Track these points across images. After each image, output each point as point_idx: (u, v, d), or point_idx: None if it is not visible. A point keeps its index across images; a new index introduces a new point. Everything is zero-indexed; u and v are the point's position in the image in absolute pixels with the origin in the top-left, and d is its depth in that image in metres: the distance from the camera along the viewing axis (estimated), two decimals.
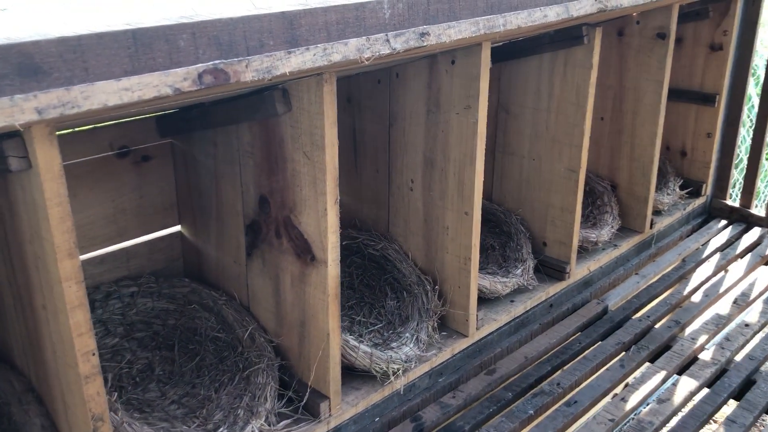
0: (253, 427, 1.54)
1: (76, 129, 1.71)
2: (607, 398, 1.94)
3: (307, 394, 1.65)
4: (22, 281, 1.30)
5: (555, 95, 2.19)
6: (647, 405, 1.91)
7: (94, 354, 1.19)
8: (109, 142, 1.76)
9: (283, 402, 1.66)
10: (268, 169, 1.60)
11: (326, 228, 1.51)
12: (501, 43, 2.18)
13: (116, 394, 1.57)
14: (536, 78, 2.22)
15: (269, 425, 1.58)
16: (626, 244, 2.61)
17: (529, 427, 1.79)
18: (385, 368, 1.77)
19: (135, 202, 1.86)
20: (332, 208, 1.50)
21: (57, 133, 1.07)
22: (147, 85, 1.02)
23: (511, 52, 2.20)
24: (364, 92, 2.03)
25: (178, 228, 1.98)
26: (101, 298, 1.79)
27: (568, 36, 2.07)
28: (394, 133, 1.98)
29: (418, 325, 1.90)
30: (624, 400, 1.88)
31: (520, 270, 2.19)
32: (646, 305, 2.38)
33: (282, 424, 1.61)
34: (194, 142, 1.81)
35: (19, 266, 1.28)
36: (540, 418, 1.81)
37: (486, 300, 2.11)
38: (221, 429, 1.54)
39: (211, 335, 1.80)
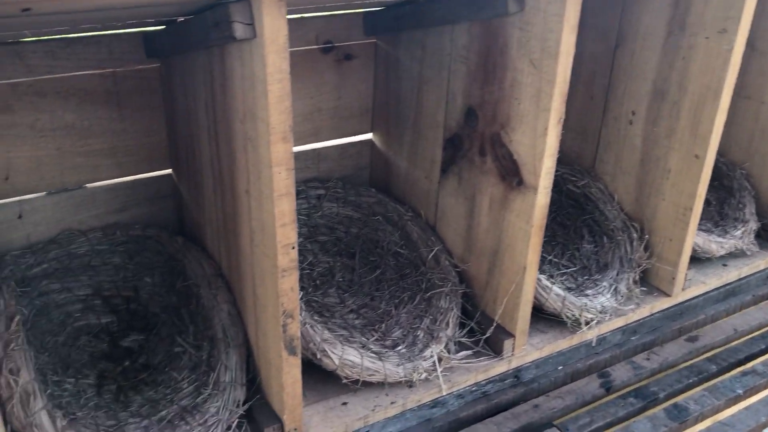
0: (432, 351, 1.45)
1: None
2: None
3: (492, 328, 1.52)
4: (227, 163, 1.25)
5: None
6: None
7: (293, 247, 1.12)
8: (316, 34, 1.68)
9: (464, 332, 1.54)
10: (482, 78, 1.44)
11: (543, 150, 1.33)
12: None
13: (300, 294, 1.52)
14: None
15: (448, 352, 1.48)
16: None
17: (736, 408, 1.56)
18: (577, 315, 1.60)
19: (332, 103, 1.78)
20: (554, 127, 1.32)
21: None
22: None
23: None
24: (589, 6, 1.78)
25: (369, 135, 1.88)
26: None
27: None
28: (619, 56, 1.74)
29: (618, 275, 1.70)
30: None
31: (739, 231, 1.90)
32: None
33: (462, 354, 1.50)
34: (400, 44, 1.68)
35: (225, 147, 1.23)
36: (751, 400, 1.57)
37: (695, 259, 1.86)
38: (400, 347, 1.46)
39: (393, 250, 1.71)
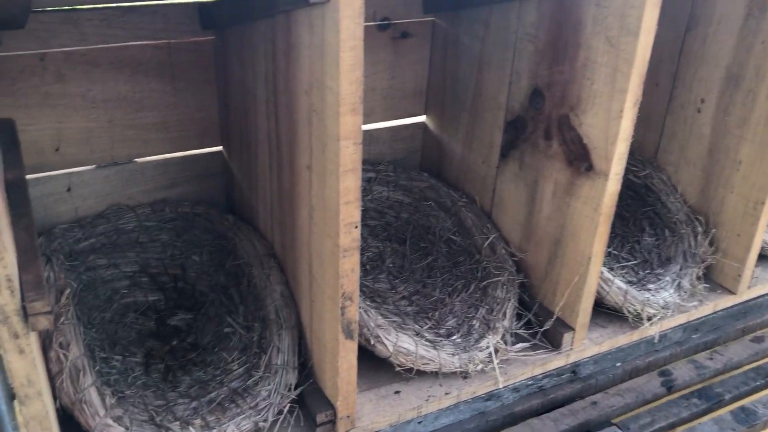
0: (488, 342, 1.39)
1: None
2: None
3: (552, 321, 1.46)
4: (286, 138, 1.20)
5: None
6: None
7: (356, 227, 1.07)
8: (374, 10, 1.62)
9: (521, 323, 1.48)
10: (551, 57, 1.37)
11: (617, 133, 1.26)
12: None
13: None
14: None
15: (505, 344, 1.42)
16: None
17: None
18: (639, 310, 1.53)
19: (386, 83, 1.72)
20: (630, 109, 1.24)
21: None
22: None
23: None
24: None
25: (422, 118, 1.82)
26: None
27: None
28: (690, 41, 1.65)
29: (681, 270, 1.63)
30: None
31: None
32: None
33: (519, 346, 1.44)
34: (461, 22, 1.61)
35: (286, 120, 1.18)
36: None
37: (763, 257, 1.77)
38: (455, 336, 1.40)
39: (446, 237, 1.65)
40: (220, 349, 1.32)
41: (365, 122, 1.73)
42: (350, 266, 1.10)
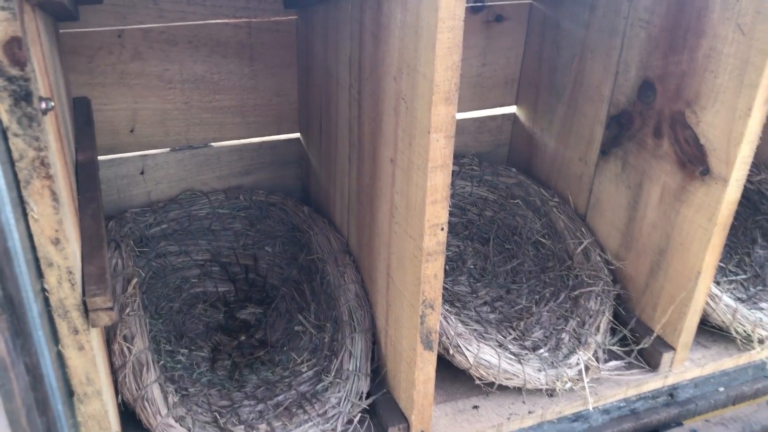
0: (579, 359, 1.26)
1: None
2: None
3: (651, 338, 1.32)
4: (369, 127, 1.10)
5: None
6: None
7: (443, 228, 0.96)
8: None
9: (616, 339, 1.35)
10: (667, 46, 1.22)
11: (741, 134, 1.11)
12: None
13: None
14: None
15: (596, 361, 1.29)
16: None
17: None
18: (749, 332, 1.36)
19: (476, 70, 1.60)
20: (760, 107, 1.09)
21: None
22: None
23: None
24: None
25: (512, 109, 1.70)
26: None
27: None
28: None
29: None
30: None
31: None
32: None
33: (612, 364, 1.31)
34: (562, 5, 1.47)
35: (370, 108, 1.09)
36: None
37: None
38: (541, 350, 1.28)
39: (534, 239, 1.52)
40: (289, 349, 1.24)
41: None
42: (433, 271, 0.99)
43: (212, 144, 1.46)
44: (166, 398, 1.04)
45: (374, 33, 1.02)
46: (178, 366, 1.20)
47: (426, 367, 1.07)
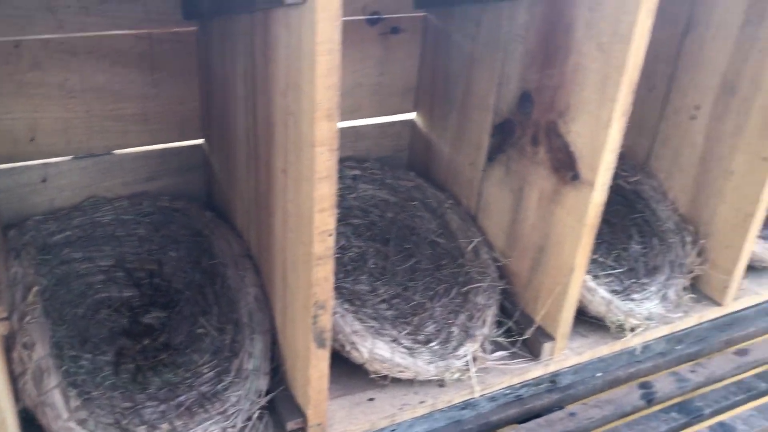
0: (467, 350, 1.36)
1: None
2: None
3: (532, 330, 1.43)
4: (264, 138, 1.16)
5: None
6: None
7: (331, 235, 1.04)
8: (363, 4, 1.58)
9: (501, 331, 1.46)
10: (541, 60, 1.33)
11: (604, 143, 1.23)
12: None
13: None
14: None
15: (483, 352, 1.39)
16: None
17: None
18: (622, 321, 1.50)
19: (374, 79, 1.68)
20: (619, 119, 1.21)
21: None
22: None
23: None
24: None
25: (411, 116, 1.79)
26: None
27: None
28: (687, 44, 1.61)
29: (667, 280, 1.60)
30: None
31: None
32: None
33: (497, 355, 1.42)
34: (453, 19, 1.57)
35: (263, 121, 1.15)
36: None
37: (750, 267, 1.74)
38: (433, 344, 1.37)
39: (430, 238, 1.62)
40: (191, 351, 1.29)
41: (352, 118, 1.72)
42: (324, 275, 1.07)
43: (116, 151, 1.49)
44: (67, 402, 1.08)
45: (264, 51, 1.08)
46: (81, 370, 1.23)
47: (320, 364, 1.15)
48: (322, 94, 0.93)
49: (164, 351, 1.32)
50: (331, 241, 1.05)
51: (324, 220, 1.02)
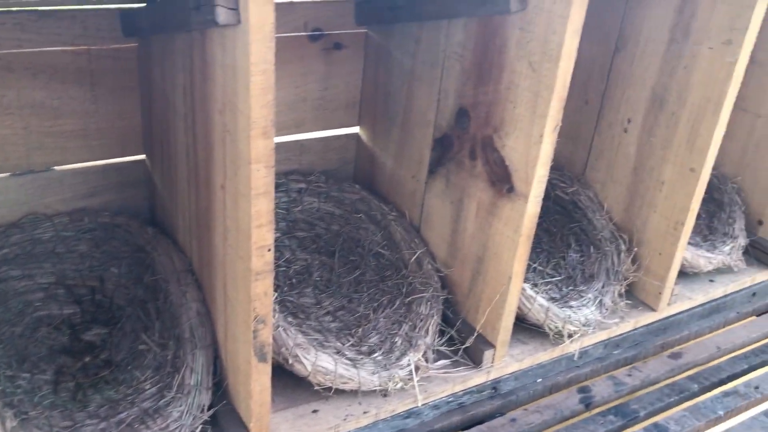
0: (410, 360, 1.39)
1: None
2: None
3: (473, 338, 1.47)
4: (203, 155, 1.17)
5: None
6: None
7: (269, 250, 1.05)
8: (305, 21, 1.60)
9: (443, 340, 1.49)
10: (476, 78, 1.38)
11: (536, 158, 1.28)
12: None
13: (274, 294, 1.46)
14: None
15: (426, 361, 1.42)
16: None
17: (716, 430, 1.53)
18: (560, 327, 1.55)
19: (318, 93, 1.70)
20: (550, 135, 1.26)
21: None
22: None
23: None
24: (590, 7, 1.72)
25: (355, 129, 1.81)
26: None
27: None
28: (618, 60, 1.68)
29: (603, 287, 1.66)
30: None
31: (728, 247, 1.86)
32: None
33: (440, 363, 1.45)
34: (393, 36, 1.60)
35: (202, 138, 1.16)
36: (731, 422, 1.54)
37: (682, 274, 1.81)
38: (376, 354, 1.40)
39: (375, 250, 1.64)
40: (133, 367, 1.29)
41: (296, 132, 1.73)
42: (263, 290, 1.08)
43: (55, 168, 1.47)
44: (3, 423, 1.06)
45: (202, 69, 1.09)
46: (19, 390, 1.21)
47: (261, 378, 1.16)
48: (257, 113, 0.95)
49: (105, 368, 1.32)
50: (269, 257, 1.06)
51: (262, 235, 1.04)
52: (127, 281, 1.44)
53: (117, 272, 1.46)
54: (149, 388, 1.23)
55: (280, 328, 1.29)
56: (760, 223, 2.00)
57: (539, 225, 1.83)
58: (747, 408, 1.60)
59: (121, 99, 1.46)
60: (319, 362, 1.29)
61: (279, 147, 1.70)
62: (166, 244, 1.42)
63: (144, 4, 1.33)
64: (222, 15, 0.91)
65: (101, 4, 1.36)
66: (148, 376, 1.25)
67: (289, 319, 1.43)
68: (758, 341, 1.81)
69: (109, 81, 1.44)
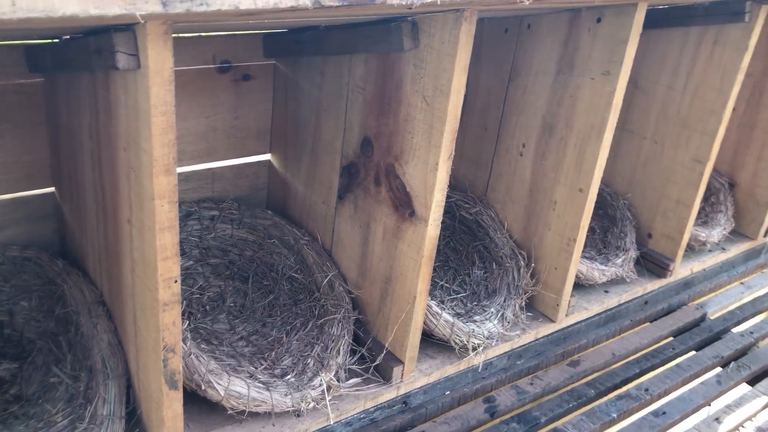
0: (321, 380, 1.45)
1: (181, 35, 1.59)
2: (699, 415, 1.77)
3: (382, 355, 1.54)
4: (109, 190, 1.20)
5: (695, 75, 1.97)
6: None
7: (176, 281, 1.09)
8: (213, 54, 1.65)
9: (355, 358, 1.55)
10: (378, 110, 1.46)
11: (434, 184, 1.36)
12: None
13: (187, 321, 1.49)
14: (677, 53, 1.99)
15: (338, 380, 1.48)
16: (735, 249, 2.38)
17: (611, 431, 1.65)
18: (465, 341, 1.64)
19: (228, 123, 1.75)
20: (444, 163, 1.35)
21: None
22: None
23: (655, 19, 1.97)
24: (486, 40, 1.85)
25: (267, 156, 1.87)
26: (181, 216, 1.70)
27: (726, 10, 1.83)
28: (512, 90, 1.80)
29: (505, 301, 1.76)
30: (718, 420, 1.71)
31: (620, 259, 2.01)
32: (748, 319, 2.17)
33: (351, 382, 1.51)
34: (300, 68, 1.67)
35: (109, 173, 1.19)
36: (623, 423, 1.66)
37: (579, 286, 1.95)
38: (289, 376, 1.45)
39: (288, 274, 1.70)
40: (44, 401, 1.29)
41: (208, 160, 1.77)
42: (171, 319, 1.12)
43: None
44: None
45: (106, 108, 1.13)
46: None
47: (173, 405, 1.19)
48: (159, 152, 1.00)
49: (15, 403, 1.32)
50: (176, 288, 1.10)
51: (168, 267, 1.08)
52: (37, 314, 1.45)
53: (27, 306, 1.46)
54: (61, 421, 1.24)
55: (192, 356, 1.33)
56: (650, 236, 2.16)
57: (447, 244, 1.94)
58: (638, 409, 1.73)
59: (27, 134, 1.47)
60: (231, 387, 1.34)
61: (191, 175, 1.75)
62: (77, 277, 1.43)
63: (50, 41, 1.35)
64: (122, 61, 0.96)
65: (5, 40, 1.37)
66: (59, 409, 1.26)
67: (203, 345, 1.46)
68: (648, 347, 1.96)
69: (15, 116, 1.44)
